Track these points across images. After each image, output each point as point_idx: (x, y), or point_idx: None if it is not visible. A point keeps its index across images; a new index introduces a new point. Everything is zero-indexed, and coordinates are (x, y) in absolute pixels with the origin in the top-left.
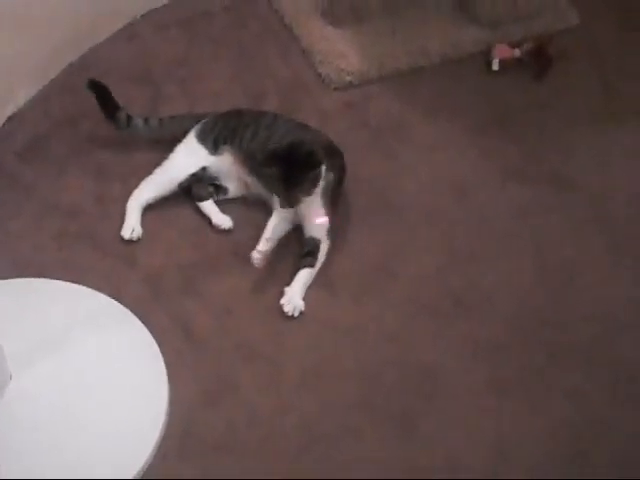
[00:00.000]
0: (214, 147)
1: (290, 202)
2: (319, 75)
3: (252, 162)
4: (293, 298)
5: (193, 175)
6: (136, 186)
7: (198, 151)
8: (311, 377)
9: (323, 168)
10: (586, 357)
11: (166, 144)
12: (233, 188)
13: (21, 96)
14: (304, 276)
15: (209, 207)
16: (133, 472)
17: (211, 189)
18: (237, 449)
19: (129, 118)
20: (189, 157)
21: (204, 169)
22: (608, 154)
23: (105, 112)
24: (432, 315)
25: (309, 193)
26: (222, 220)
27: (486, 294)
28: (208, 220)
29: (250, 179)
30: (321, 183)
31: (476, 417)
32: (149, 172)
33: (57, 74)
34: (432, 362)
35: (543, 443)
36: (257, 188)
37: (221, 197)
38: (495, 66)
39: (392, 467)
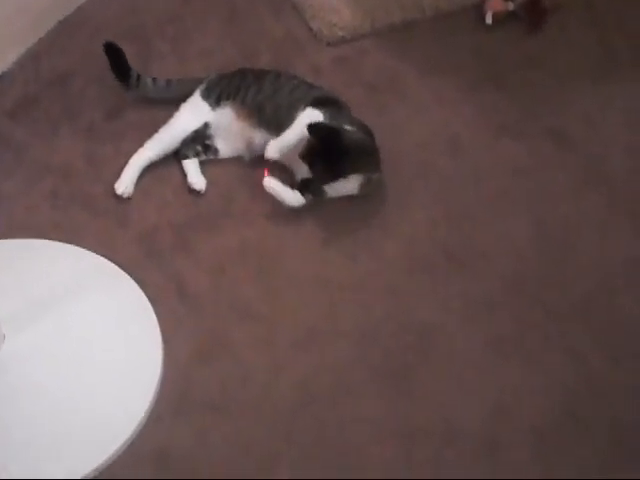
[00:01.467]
0: (217, 103)
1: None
2: (311, 30)
3: (259, 115)
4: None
5: (195, 132)
6: (127, 146)
7: (201, 107)
8: (306, 336)
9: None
10: (583, 315)
11: (161, 105)
12: (225, 148)
13: (10, 56)
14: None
15: (189, 166)
16: (128, 433)
17: (199, 148)
18: (232, 408)
19: (139, 77)
20: (192, 114)
21: (206, 125)
22: (604, 109)
23: (117, 74)
24: (428, 272)
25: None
26: (196, 180)
27: (482, 251)
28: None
29: (257, 132)
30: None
31: (473, 375)
32: (141, 132)
33: (46, 32)
34: (428, 319)
35: (539, 401)
36: (264, 140)
37: (210, 157)
38: (489, 19)
39: (389, 426)
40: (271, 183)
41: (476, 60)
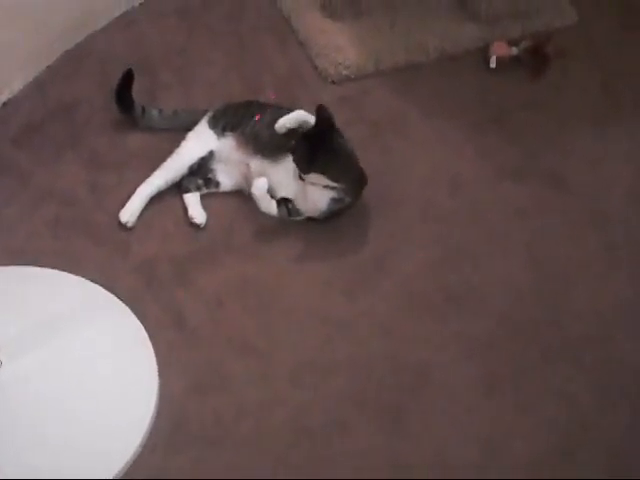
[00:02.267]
0: (222, 132)
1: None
2: (316, 68)
3: (255, 142)
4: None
5: (200, 160)
6: (131, 175)
7: (208, 135)
8: (302, 371)
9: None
10: (578, 357)
11: (165, 135)
12: (226, 181)
13: (17, 82)
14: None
15: (190, 199)
16: (121, 463)
17: (200, 182)
18: (226, 442)
19: (144, 109)
20: (199, 141)
21: (210, 154)
22: (605, 154)
23: (121, 107)
24: (424, 311)
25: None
26: (197, 214)
27: (479, 291)
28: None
29: (252, 161)
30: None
31: (466, 414)
32: (144, 162)
33: (53, 61)
34: (423, 358)
35: (532, 442)
36: (258, 167)
37: (212, 190)
38: (493, 63)
39: (381, 462)
40: (260, 184)
41: (479, 102)
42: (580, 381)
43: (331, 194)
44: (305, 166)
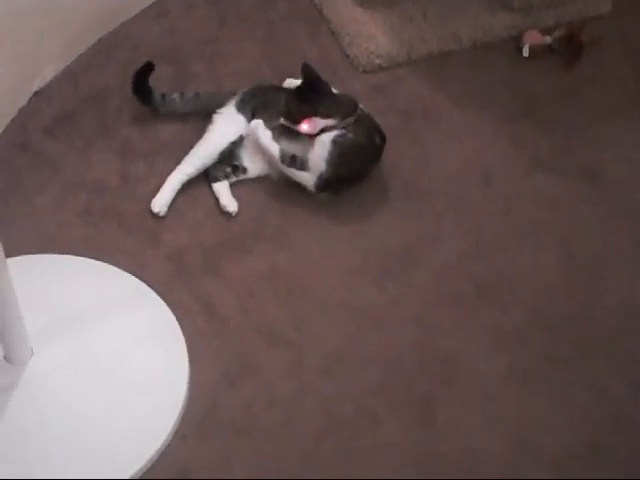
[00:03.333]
0: (251, 115)
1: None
2: (348, 57)
3: (286, 129)
4: None
5: (232, 143)
6: (161, 164)
7: (237, 120)
8: (332, 361)
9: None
10: (609, 350)
11: (194, 124)
12: (253, 167)
13: (48, 71)
14: None
15: (220, 188)
16: (151, 452)
17: (228, 169)
18: (256, 432)
19: (163, 96)
20: (228, 126)
21: (240, 138)
22: (638, 145)
23: (140, 97)
24: (455, 302)
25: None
26: (228, 202)
27: (510, 283)
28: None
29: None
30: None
31: (495, 405)
32: (175, 151)
33: (85, 50)
34: (453, 348)
35: (562, 434)
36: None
37: (240, 177)
38: (525, 52)
39: (410, 453)
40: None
41: (511, 92)
42: (611, 374)
43: (331, 136)
44: (295, 117)
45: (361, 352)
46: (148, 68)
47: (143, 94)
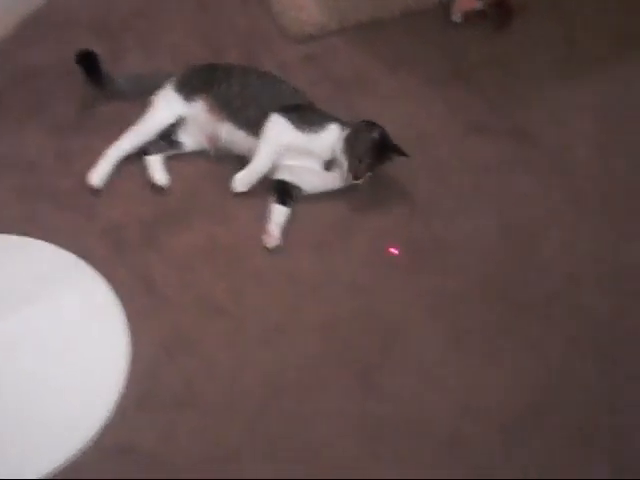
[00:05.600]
0: (190, 96)
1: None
2: (279, 27)
3: (228, 109)
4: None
5: (172, 125)
6: (96, 141)
7: (175, 100)
8: (272, 331)
9: None
10: (547, 310)
11: (130, 100)
12: (189, 142)
13: None
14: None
15: (152, 162)
16: (93, 429)
17: (163, 143)
18: (198, 404)
19: (109, 77)
20: (168, 107)
21: (180, 118)
22: (571, 107)
23: (92, 81)
24: (393, 268)
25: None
26: (159, 176)
27: (448, 248)
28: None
29: (224, 126)
30: None
31: (437, 370)
32: (110, 128)
33: (13, 26)
34: (394, 315)
35: (503, 395)
36: (230, 135)
37: (174, 151)
38: (457, 18)
39: (353, 420)
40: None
41: (444, 57)
42: (550, 335)
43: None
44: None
45: (301, 322)
46: (86, 56)
47: (93, 74)
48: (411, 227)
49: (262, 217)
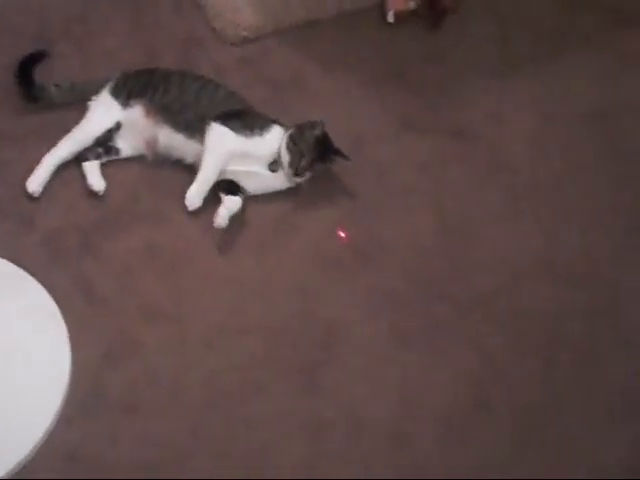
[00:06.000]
0: (126, 101)
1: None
2: (214, 30)
3: (166, 114)
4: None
5: (109, 131)
6: (32, 149)
7: (112, 106)
8: (214, 334)
9: None
10: (488, 308)
11: (65, 107)
12: (127, 147)
13: None
14: None
15: (89, 168)
16: (36, 438)
17: (100, 150)
18: (142, 409)
19: (42, 89)
20: (105, 112)
21: (118, 124)
22: (505, 103)
23: (25, 94)
24: (333, 268)
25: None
26: (95, 182)
27: (387, 247)
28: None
29: (163, 131)
30: None
31: (379, 368)
32: (45, 136)
33: None
34: (334, 315)
35: (445, 394)
36: (169, 139)
37: (112, 157)
38: (390, 18)
39: (297, 421)
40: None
41: (379, 58)
42: (490, 331)
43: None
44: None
45: (243, 323)
46: (35, 58)
47: (26, 83)
48: (351, 227)
49: (202, 221)
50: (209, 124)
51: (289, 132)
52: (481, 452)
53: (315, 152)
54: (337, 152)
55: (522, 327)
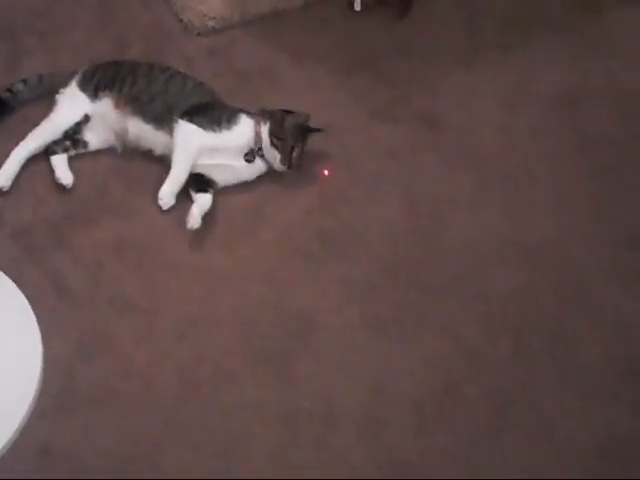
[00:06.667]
0: (94, 94)
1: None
2: (181, 21)
3: (135, 105)
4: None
5: (77, 123)
6: (0, 144)
7: (80, 98)
8: (186, 326)
9: None
10: (458, 293)
11: (32, 103)
12: (95, 140)
13: None
14: None
15: (57, 161)
16: (10, 433)
17: (68, 143)
18: (115, 402)
19: (10, 91)
20: (72, 105)
21: (87, 116)
22: (473, 90)
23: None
24: (304, 257)
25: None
26: (63, 175)
27: (356, 235)
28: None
29: (132, 122)
30: None
31: (351, 356)
32: (14, 129)
33: None
34: (306, 304)
35: (418, 379)
36: (138, 130)
37: (80, 151)
38: (357, 6)
39: (271, 411)
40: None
41: (347, 46)
42: (461, 316)
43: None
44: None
45: (215, 314)
46: None
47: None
48: (320, 216)
49: (171, 213)
50: (176, 122)
51: (269, 127)
52: (455, 437)
53: (299, 139)
54: (313, 129)
55: (493, 311)
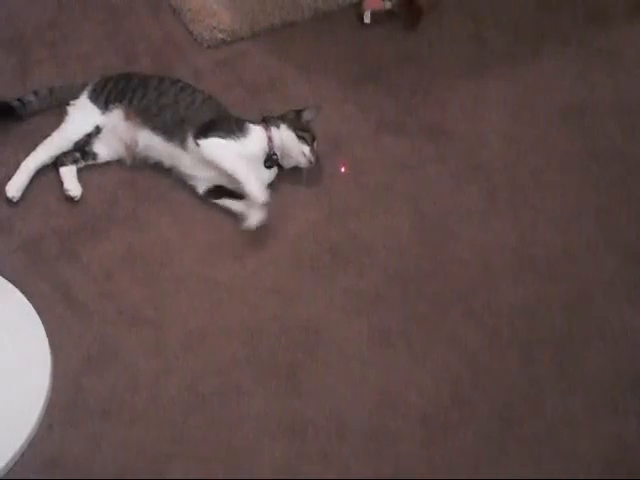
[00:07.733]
0: (105, 105)
1: None
2: (191, 34)
3: (145, 117)
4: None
5: (88, 135)
6: (9, 155)
7: (91, 110)
8: (194, 337)
9: None
10: (465, 305)
11: (43, 113)
12: (105, 152)
13: None
14: None
15: (66, 173)
16: (18, 445)
17: (77, 155)
18: (123, 414)
19: (20, 100)
20: (83, 116)
21: (97, 128)
22: (480, 102)
23: (9, 119)
24: (312, 270)
25: None
26: (72, 187)
27: (365, 247)
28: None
29: (142, 133)
30: None
31: (359, 368)
32: (24, 142)
33: None
34: (314, 316)
35: (426, 391)
36: (148, 142)
37: (89, 162)
38: (367, 19)
39: (279, 423)
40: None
41: (356, 58)
42: (470, 328)
43: None
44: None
45: (223, 326)
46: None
47: (6, 116)
48: (328, 229)
49: (180, 224)
50: (196, 144)
51: (289, 128)
52: (462, 449)
53: (314, 131)
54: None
55: (501, 324)
